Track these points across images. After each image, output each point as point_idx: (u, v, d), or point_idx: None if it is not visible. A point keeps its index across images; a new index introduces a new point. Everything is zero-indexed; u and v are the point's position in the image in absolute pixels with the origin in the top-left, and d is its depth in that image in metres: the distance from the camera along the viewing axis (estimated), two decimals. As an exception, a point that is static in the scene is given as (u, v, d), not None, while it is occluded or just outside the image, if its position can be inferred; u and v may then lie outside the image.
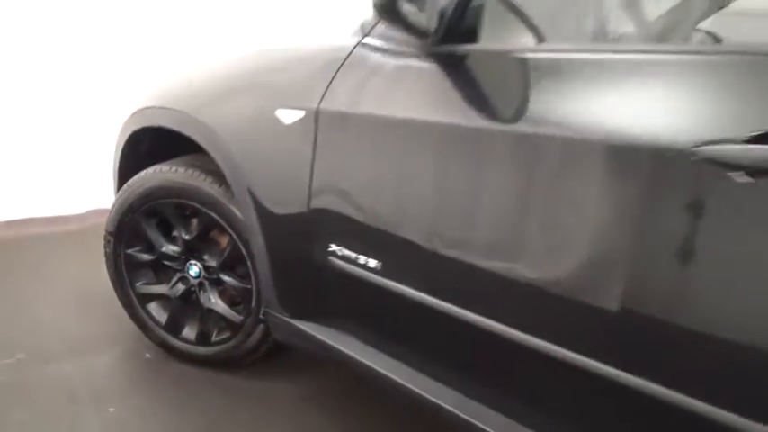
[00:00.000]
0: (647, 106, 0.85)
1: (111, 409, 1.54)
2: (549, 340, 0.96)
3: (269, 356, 1.71)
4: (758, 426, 0.76)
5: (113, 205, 1.68)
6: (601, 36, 1.11)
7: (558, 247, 0.93)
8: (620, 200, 0.85)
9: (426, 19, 1.00)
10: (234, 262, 1.59)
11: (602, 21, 1.13)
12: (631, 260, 0.84)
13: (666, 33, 1.22)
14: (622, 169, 0.84)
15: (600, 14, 1.12)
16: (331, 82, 1.20)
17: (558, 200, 0.92)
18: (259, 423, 1.53)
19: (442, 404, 1.16)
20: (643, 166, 0.82)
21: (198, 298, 1.68)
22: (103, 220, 1.73)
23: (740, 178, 0.72)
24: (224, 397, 1.62)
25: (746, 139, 0.72)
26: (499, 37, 1.11)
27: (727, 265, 0.75)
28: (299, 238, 1.32)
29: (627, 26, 1.17)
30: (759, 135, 0.71)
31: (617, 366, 0.88)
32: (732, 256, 0.75)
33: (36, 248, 2.57)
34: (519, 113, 0.97)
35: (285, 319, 1.43)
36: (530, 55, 1.02)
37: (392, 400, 1.31)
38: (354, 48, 1.19)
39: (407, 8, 0.98)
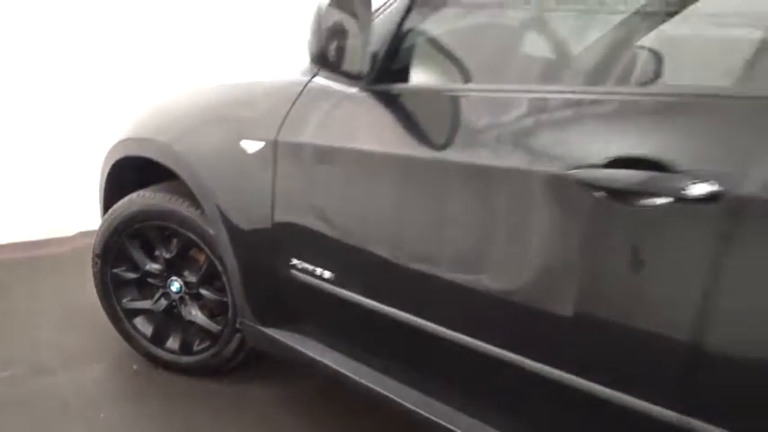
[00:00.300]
0: (540, 137, 1.02)
1: (102, 416, 1.69)
2: (475, 337, 1.13)
3: (247, 363, 1.86)
4: (632, 400, 0.92)
5: (99, 228, 1.84)
6: (514, 77, 1.28)
7: (480, 256, 1.10)
8: (519, 214, 1.02)
9: (360, 62, 1.17)
10: (211, 277, 1.75)
11: (516, 63, 1.30)
12: (528, 263, 1.01)
13: (585, 71, 1.40)
14: (519, 190, 1.01)
15: (513, 58, 1.30)
16: (286, 116, 1.37)
17: (475, 216, 1.09)
18: (237, 428, 1.67)
19: (403, 402, 1.29)
20: (534, 187, 0.99)
21: (180, 311, 1.83)
22: (92, 242, 1.88)
23: (598, 194, 0.89)
24: (205, 403, 1.77)
25: (604, 163, 0.89)
26: (428, 76, 1.29)
27: (586, 265, 0.93)
28: (265, 254, 1.48)
29: (539, 66, 1.35)
30: (613, 160, 0.88)
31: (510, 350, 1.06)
32: (592, 258, 0.92)
33: (28, 270, 2.71)
34: (445, 144, 1.14)
35: (258, 327, 1.58)
36: (454, 93, 1.19)
37: (361, 400, 1.45)
38: (305, 86, 1.36)
39: (345, 52, 1.15)
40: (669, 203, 0.82)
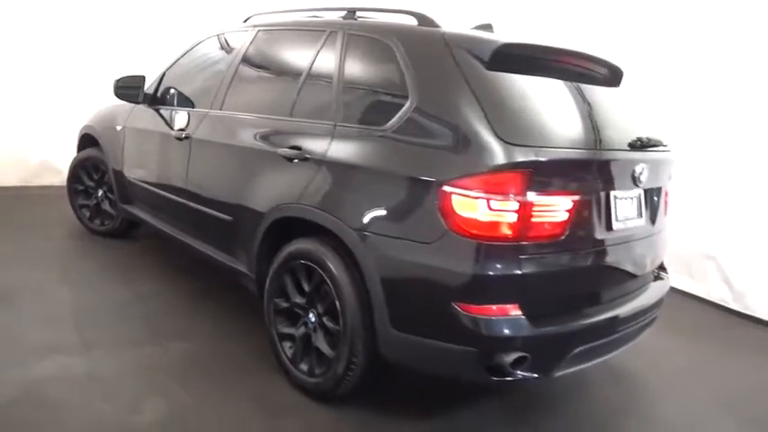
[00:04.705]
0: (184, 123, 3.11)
1: (70, 244, 3.90)
2: (182, 198, 3.19)
3: (130, 232, 4.02)
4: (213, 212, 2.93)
5: (70, 165, 4.08)
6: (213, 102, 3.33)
7: (163, 166, 3.18)
8: (165, 148, 3.11)
9: (140, 97, 3.31)
10: (112, 187, 3.92)
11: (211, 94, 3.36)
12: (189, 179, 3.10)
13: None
14: (167, 140, 3.10)
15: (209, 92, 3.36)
16: (128, 116, 3.55)
17: (165, 152, 3.18)
18: (123, 254, 3.79)
19: (178, 236, 3.33)
20: (168, 138, 3.07)
21: (101, 205, 4.01)
22: (70, 175, 4.12)
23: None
24: (107, 245, 3.93)
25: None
26: (174, 102, 3.38)
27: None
28: (121, 174, 3.64)
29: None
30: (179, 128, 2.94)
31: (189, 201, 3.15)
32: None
33: (38, 198, 5.05)
34: (175, 128, 3.22)
35: (122, 205, 3.73)
36: (187, 111, 3.27)
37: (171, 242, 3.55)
38: (135, 105, 3.52)
39: (131, 94, 3.31)
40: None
